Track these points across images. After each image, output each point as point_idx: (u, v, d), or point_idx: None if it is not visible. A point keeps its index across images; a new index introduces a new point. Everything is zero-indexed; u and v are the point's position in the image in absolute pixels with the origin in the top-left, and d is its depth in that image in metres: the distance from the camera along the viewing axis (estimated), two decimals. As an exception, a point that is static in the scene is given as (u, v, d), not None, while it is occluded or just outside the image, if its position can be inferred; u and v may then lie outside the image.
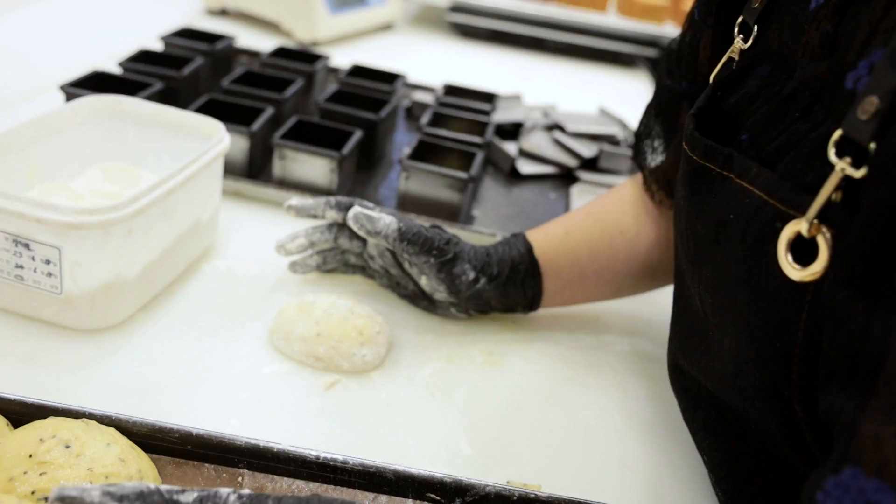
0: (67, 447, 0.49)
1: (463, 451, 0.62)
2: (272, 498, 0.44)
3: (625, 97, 1.44)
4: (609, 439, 0.66)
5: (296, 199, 0.74)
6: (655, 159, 0.74)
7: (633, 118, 1.14)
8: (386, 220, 0.69)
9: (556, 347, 0.75)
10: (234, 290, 0.75)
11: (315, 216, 0.73)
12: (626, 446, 0.65)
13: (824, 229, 0.41)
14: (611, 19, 1.66)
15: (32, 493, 0.47)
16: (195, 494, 0.43)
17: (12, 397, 0.53)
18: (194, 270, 0.76)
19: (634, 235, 0.74)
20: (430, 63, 1.44)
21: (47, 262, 0.62)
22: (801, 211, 0.42)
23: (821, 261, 0.41)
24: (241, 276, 0.77)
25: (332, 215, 0.73)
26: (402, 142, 1.11)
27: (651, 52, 1.66)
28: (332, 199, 0.73)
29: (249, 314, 0.72)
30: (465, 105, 1.11)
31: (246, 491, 0.44)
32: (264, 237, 0.81)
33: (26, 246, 0.61)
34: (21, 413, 0.53)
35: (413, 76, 1.26)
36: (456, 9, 1.65)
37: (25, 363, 0.62)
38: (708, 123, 0.55)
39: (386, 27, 1.63)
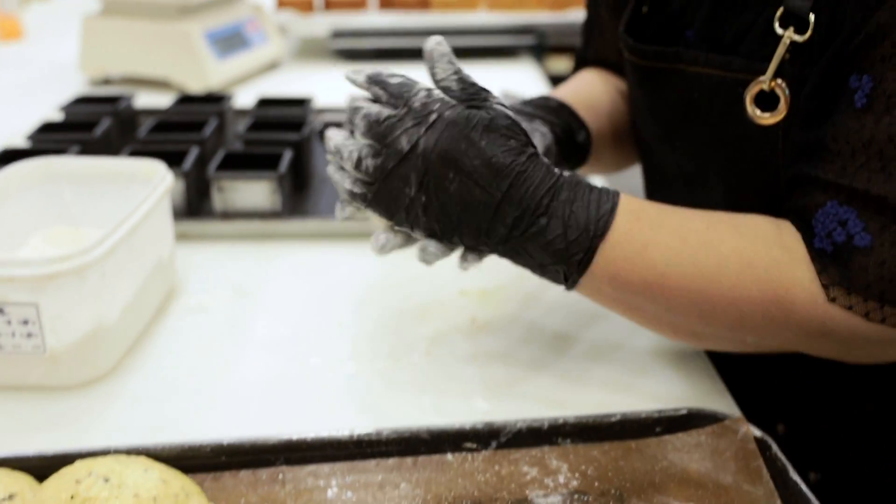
0: (107, 481, 0.48)
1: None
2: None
3: (516, 87, 1.50)
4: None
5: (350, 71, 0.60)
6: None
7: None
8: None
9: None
10: (208, 319, 0.75)
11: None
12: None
13: (780, 82, 0.51)
14: (483, 17, 1.73)
15: (85, 530, 0.46)
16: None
17: (30, 454, 0.52)
18: (165, 312, 0.75)
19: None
20: (323, 89, 1.44)
21: (25, 322, 0.60)
22: (757, 75, 0.52)
23: (782, 106, 0.51)
24: (213, 307, 0.77)
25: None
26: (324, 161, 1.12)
27: (530, 41, 1.74)
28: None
29: (228, 340, 0.72)
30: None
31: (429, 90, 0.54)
32: (220, 270, 0.82)
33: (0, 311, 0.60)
34: (43, 467, 0.51)
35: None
36: (337, 35, 1.68)
37: (21, 434, 0.60)
38: (641, 31, 0.61)
39: (273, 66, 1.64)
